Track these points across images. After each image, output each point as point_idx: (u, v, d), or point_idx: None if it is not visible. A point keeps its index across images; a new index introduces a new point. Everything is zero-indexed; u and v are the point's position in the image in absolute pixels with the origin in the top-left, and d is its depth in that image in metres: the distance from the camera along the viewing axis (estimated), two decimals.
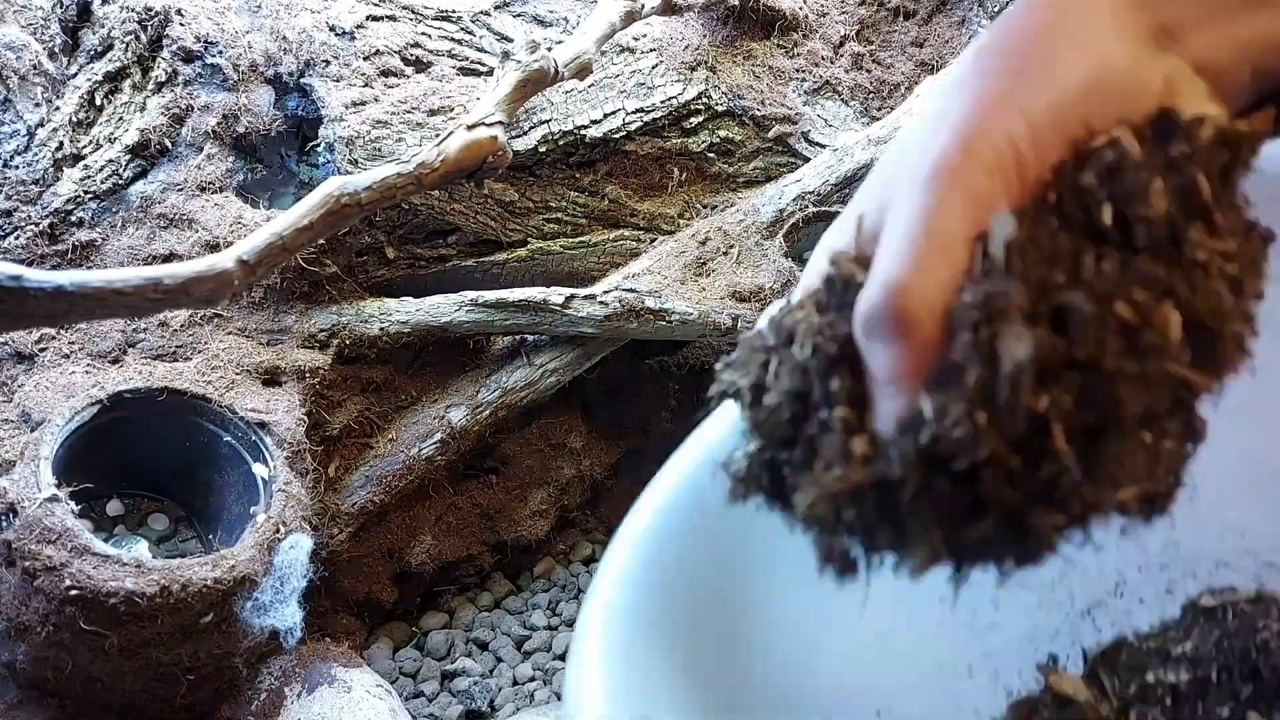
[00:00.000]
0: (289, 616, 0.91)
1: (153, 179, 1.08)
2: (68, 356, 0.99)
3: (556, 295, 1.09)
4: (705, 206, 1.22)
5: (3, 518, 0.84)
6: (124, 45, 1.09)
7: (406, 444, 1.09)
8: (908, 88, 1.27)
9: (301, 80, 1.11)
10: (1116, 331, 0.33)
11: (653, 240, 1.20)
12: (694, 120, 1.21)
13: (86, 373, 0.97)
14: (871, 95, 1.28)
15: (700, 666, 0.50)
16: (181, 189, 1.07)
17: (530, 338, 1.14)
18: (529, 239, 1.17)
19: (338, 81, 1.10)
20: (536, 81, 1.05)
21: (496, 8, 1.22)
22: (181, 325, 1.02)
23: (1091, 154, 0.35)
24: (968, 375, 0.32)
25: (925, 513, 0.34)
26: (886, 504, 0.34)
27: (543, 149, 1.15)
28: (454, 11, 1.19)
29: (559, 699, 1.03)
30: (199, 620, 0.86)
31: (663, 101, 1.20)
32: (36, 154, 1.05)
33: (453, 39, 1.17)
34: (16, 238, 1.02)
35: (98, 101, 1.09)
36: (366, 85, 1.10)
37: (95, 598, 0.81)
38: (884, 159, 0.39)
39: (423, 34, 1.16)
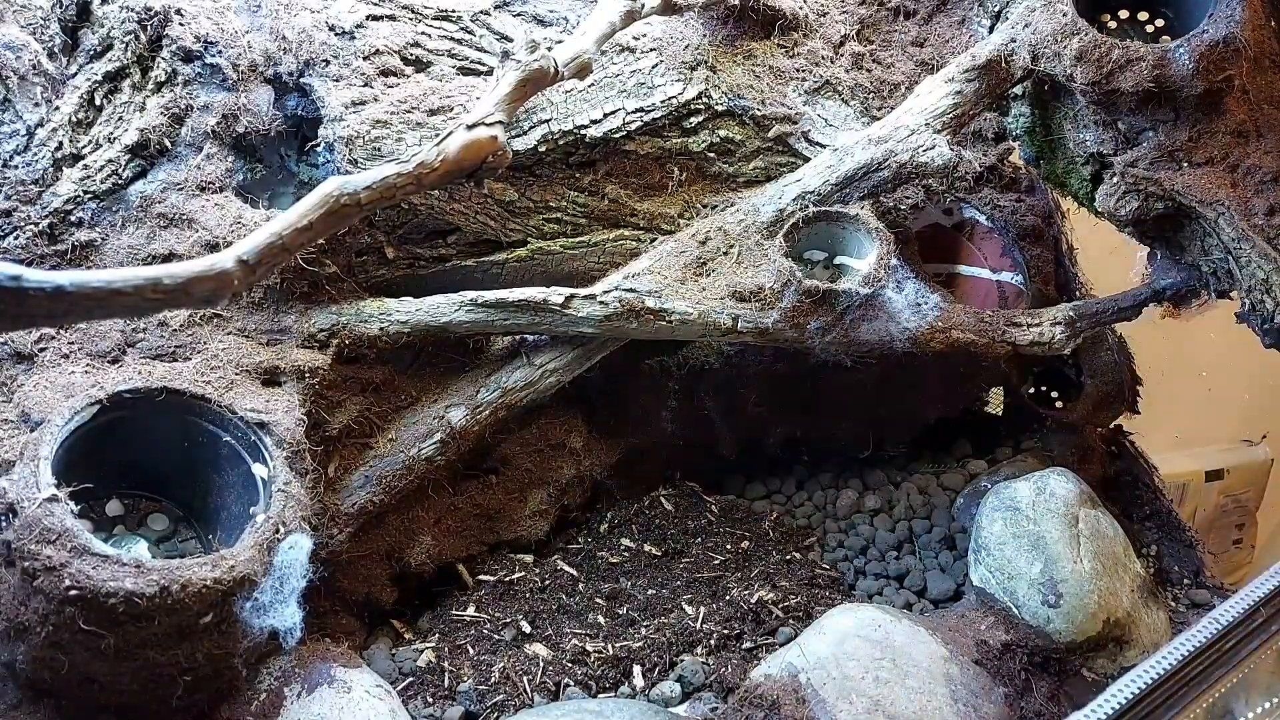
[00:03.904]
0: (288, 617, 0.91)
1: (152, 179, 1.07)
2: (67, 356, 0.98)
3: (556, 295, 1.08)
4: (705, 206, 1.22)
5: (2, 518, 0.84)
6: (124, 45, 1.09)
7: (406, 444, 1.08)
8: (908, 87, 1.27)
9: (301, 80, 1.11)
10: None
11: (653, 240, 1.20)
12: (694, 120, 1.21)
13: (86, 373, 0.96)
14: (871, 95, 1.28)
15: None
16: (181, 189, 1.07)
17: (530, 338, 1.14)
18: (529, 239, 1.17)
19: (337, 81, 1.10)
20: (536, 81, 1.05)
21: (496, 7, 1.21)
22: (181, 325, 1.02)
23: None
24: None
25: None
26: None
27: (543, 149, 1.15)
28: (454, 11, 1.19)
29: (556, 699, 1.02)
30: (198, 620, 0.85)
31: (663, 101, 1.20)
32: (36, 154, 1.05)
33: (452, 39, 1.17)
34: (16, 238, 1.02)
35: (97, 101, 1.09)
36: (366, 85, 1.10)
37: (95, 598, 0.81)
38: None
39: (422, 34, 1.16)
